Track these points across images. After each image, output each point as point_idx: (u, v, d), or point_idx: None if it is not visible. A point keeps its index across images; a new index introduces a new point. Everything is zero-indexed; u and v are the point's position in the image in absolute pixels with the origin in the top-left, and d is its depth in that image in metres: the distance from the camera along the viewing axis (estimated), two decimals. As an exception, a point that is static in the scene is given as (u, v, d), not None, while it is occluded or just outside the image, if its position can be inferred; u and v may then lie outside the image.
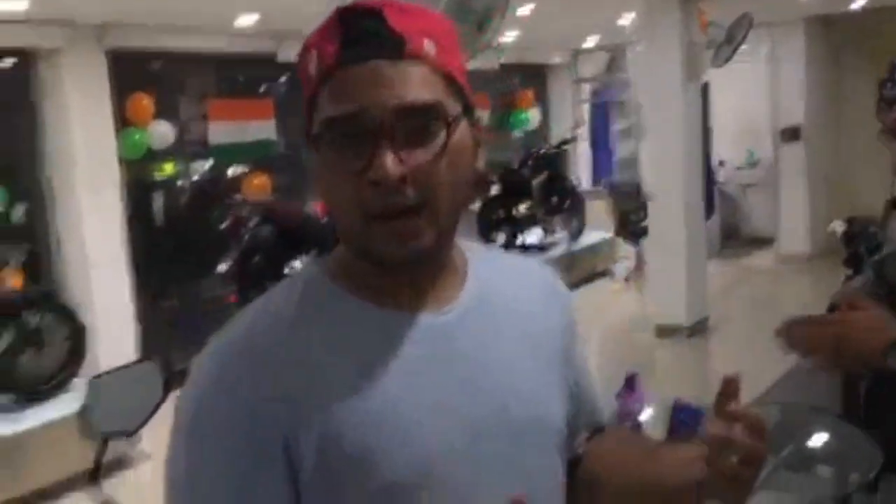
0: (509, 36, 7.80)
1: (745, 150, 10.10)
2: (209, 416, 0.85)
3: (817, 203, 9.01)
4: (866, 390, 2.75)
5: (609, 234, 9.03)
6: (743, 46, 7.32)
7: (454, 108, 0.88)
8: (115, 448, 3.72)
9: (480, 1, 3.67)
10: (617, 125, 11.14)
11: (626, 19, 7.65)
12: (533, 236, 8.63)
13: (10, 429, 4.34)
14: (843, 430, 2.83)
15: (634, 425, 2.59)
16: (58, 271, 5.81)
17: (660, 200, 6.71)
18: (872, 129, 2.54)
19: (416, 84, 0.84)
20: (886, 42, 7.37)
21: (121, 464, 4.43)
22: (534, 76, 10.63)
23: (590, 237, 8.98)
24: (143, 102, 6.10)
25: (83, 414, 2.03)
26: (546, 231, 8.69)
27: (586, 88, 11.05)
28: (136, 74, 6.31)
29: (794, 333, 1.44)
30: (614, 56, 10.79)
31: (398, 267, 0.88)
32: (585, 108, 11.07)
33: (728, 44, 7.12)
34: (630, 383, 2.68)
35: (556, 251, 8.55)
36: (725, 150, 10.03)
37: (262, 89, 7.52)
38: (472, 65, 4.22)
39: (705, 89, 7.69)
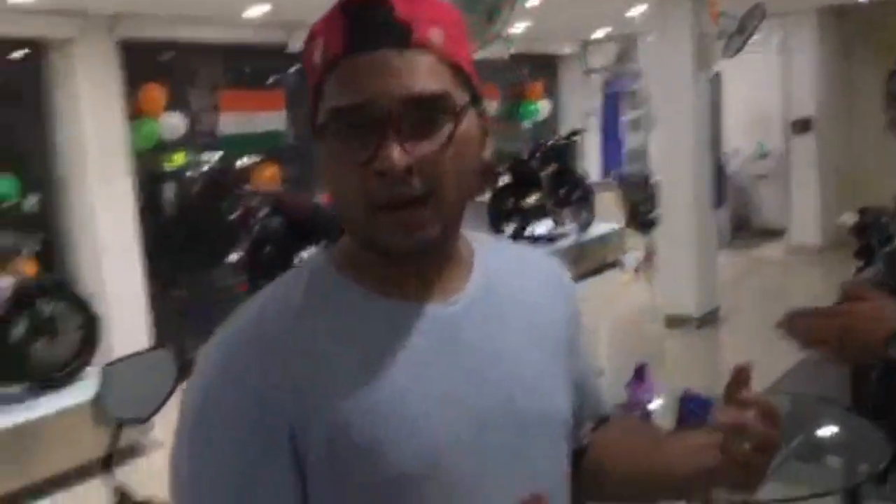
0: (519, 27, 7.79)
1: (756, 141, 10.06)
2: (216, 406, 0.85)
3: (828, 194, 8.96)
4: (876, 382, 2.75)
5: (618, 225, 9.02)
6: (754, 37, 7.28)
7: (461, 98, 0.87)
8: (128, 436, 3.75)
9: (490, -9, 3.66)
10: (627, 116, 11.12)
11: (637, 10, 7.62)
12: (542, 227, 8.63)
13: (24, 416, 4.38)
14: (852, 421, 2.84)
15: (644, 414, 2.61)
16: (71, 261, 5.86)
17: (669, 191, 6.69)
18: (884, 121, 2.53)
19: (423, 74, 0.83)
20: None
21: (133, 451, 4.46)
22: (544, 67, 10.60)
23: (599, 228, 8.96)
24: (155, 93, 6.12)
25: (97, 401, 2.03)
26: (555, 222, 8.69)
27: (596, 79, 11.02)
28: (148, 65, 6.33)
29: (796, 324, 1.44)
30: (624, 46, 10.75)
31: (404, 257, 0.88)
32: (595, 99, 11.04)
33: (739, 34, 7.07)
34: (640, 373, 2.69)
35: (565, 242, 8.54)
36: (736, 140, 9.99)
37: (272, 80, 7.53)
38: (481, 55, 4.22)
39: (717, 80, 7.66)
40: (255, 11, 6.09)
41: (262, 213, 6.20)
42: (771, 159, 9.89)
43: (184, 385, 0.92)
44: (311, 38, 0.88)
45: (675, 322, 6.54)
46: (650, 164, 9.82)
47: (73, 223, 5.83)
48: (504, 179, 8.23)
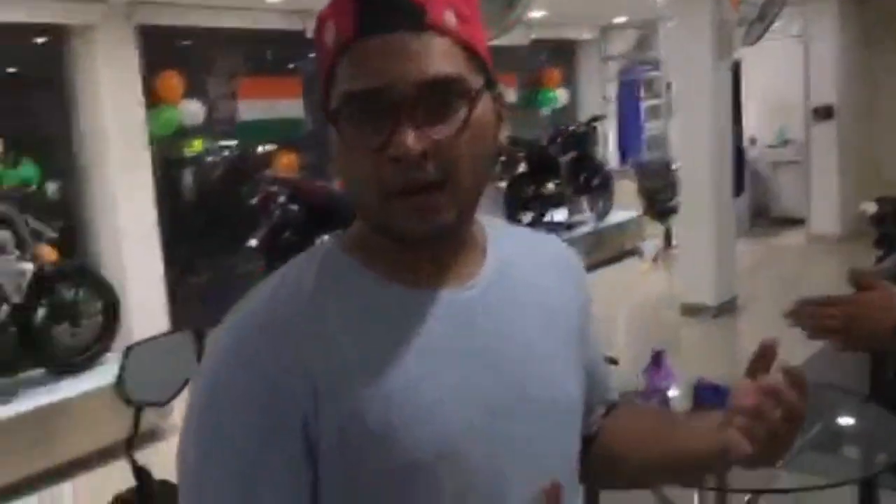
0: (538, 13, 7.75)
1: (776, 128, 9.98)
2: (226, 389, 0.83)
3: (849, 183, 8.88)
4: (894, 372, 2.74)
5: (637, 213, 8.98)
6: (775, 24, 7.21)
7: (476, 81, 0.85)
8: (147, 420, 3.78)
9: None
10: (645, 103, 11.05)
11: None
12: (560, 214, 8.61)
13: (46, 399, 4.43)
14: (870, 411, 2.82)
15: (662, 401, 2.61)
16: (91, 247, 5.91)
17: (689, 179, 6.66)
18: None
19: (437, 57, 0.81)
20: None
21: (153, 436, 4.51)
22: (563, 53, 10.56)
23: (617, 216, 8.93)
24: (173, 81, 6.14)
25: (117, 384, 2.04)
26: (574, 210, 8.66)
27: (613, 66, 10.96)
28: (166, 52, 6.35)
29: (805, 313, 1.44)
30: (644, 33, 10.67)
31: (419, 243, 0.86)
32: (612, 87, 10.98)
33: (760, 21, 7.00)
34: (657, 360, 2.69)
35: (583, 229, 8.53)
36: (756, 128, 9.92)
37: (290, 67, 7.54)
38: (501, 41, 4.20)
39: (737, 67, 7.59)
40: (273, -2, 6.11)
41: (281, 199, 6.23)
42: (791, 147, 9.81)
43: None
44: (321, 21, 0.87)
45: (691, 310, 6.51)
46: (670, 151, 9.76)
47: (93, 210, 5.87)
48: (522, 166, 8.21)
